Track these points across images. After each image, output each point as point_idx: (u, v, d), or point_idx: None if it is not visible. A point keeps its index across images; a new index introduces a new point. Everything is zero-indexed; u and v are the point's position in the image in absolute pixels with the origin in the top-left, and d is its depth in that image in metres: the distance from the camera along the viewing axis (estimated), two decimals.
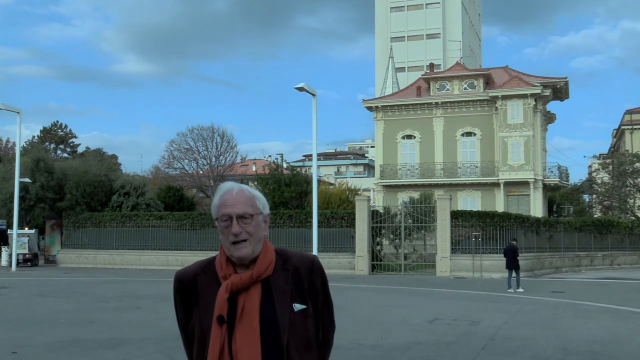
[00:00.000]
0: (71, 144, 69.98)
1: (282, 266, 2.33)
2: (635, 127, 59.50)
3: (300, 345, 2.26)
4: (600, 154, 69.28)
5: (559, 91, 47.99)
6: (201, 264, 2.41)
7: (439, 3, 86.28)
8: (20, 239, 37.24)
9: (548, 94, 45.40)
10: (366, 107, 49.48)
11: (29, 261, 38.14)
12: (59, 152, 68.28)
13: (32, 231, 39.56)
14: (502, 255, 29.10)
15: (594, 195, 58.70)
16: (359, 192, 47.69)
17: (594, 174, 61.37)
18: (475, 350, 10.33)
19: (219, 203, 2.31)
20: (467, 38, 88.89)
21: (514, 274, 22.58)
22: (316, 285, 2.38)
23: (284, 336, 2.22)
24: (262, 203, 2.37)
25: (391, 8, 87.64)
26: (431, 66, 55.24)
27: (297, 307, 2.29)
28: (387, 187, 47.78)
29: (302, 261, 2.37)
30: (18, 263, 36.17)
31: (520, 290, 21.85)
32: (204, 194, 59.67)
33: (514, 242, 24.30)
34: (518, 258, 23.01)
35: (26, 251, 37.83)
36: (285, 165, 54.02)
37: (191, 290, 2.34)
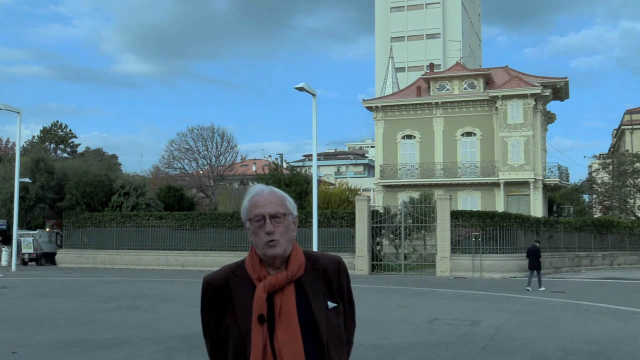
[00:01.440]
0: (71, 144, 69.93)
1: (312, 266, 2.40)
2: (635, 127, 59.49)
3: (335, 342, 2.35)
4: (600, 154, 69.13)
5: (559, 91, 47.99)
6: (230, 267, 2.45)
7: (439, 3, 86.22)
8: (26, 239, 37.45)
9: (548, 94, 45.39)
10: (366, 107, 49.48)
11: (33, 260, 38.28)
12: (59, 152, 68.24)
13: (36, 232, 39.51)
14: (503, 254, 29.52)
15: (594, 195, 58.68)
16: (359, 192, 47.76)
17: (594, 174, 61.32)
18: (475, 350, 10.33)
19: (250, 205, 2.37)
20: (467, 38, 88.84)
21: (534, 275, 23.06)
22: (343, 285, 2.47)
23: (324, 333, 2.30)
24: (292, 204, 2.44)
25: (391, 8, 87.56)
26: (431, 66, 55.23)
27: (330, 305, 2.37)
28: (387, 187, 47.77)
29: (329, 262, 2.46)
30: (24, 263, 36.60)
31: (542, 289, 22.23)
32: (204, 194, 59.66)
33: (537, 244, 24.74)
34: (540, 259, 23.45)
35: (31, 250, 38.00)
36: (285, 165, 54.05)
37: (223, 294, 2.38)
